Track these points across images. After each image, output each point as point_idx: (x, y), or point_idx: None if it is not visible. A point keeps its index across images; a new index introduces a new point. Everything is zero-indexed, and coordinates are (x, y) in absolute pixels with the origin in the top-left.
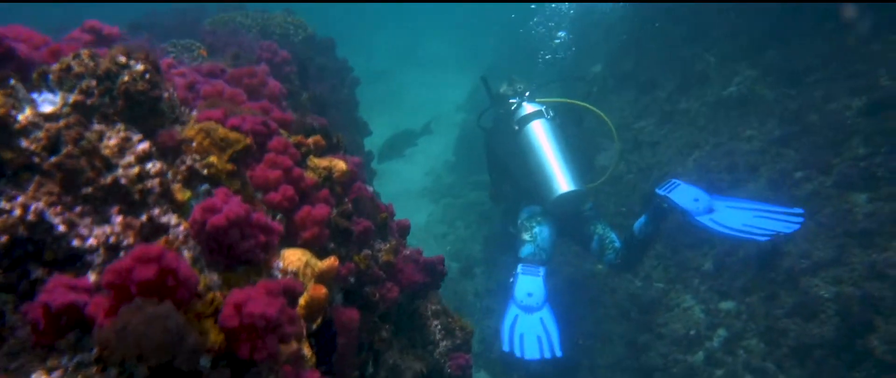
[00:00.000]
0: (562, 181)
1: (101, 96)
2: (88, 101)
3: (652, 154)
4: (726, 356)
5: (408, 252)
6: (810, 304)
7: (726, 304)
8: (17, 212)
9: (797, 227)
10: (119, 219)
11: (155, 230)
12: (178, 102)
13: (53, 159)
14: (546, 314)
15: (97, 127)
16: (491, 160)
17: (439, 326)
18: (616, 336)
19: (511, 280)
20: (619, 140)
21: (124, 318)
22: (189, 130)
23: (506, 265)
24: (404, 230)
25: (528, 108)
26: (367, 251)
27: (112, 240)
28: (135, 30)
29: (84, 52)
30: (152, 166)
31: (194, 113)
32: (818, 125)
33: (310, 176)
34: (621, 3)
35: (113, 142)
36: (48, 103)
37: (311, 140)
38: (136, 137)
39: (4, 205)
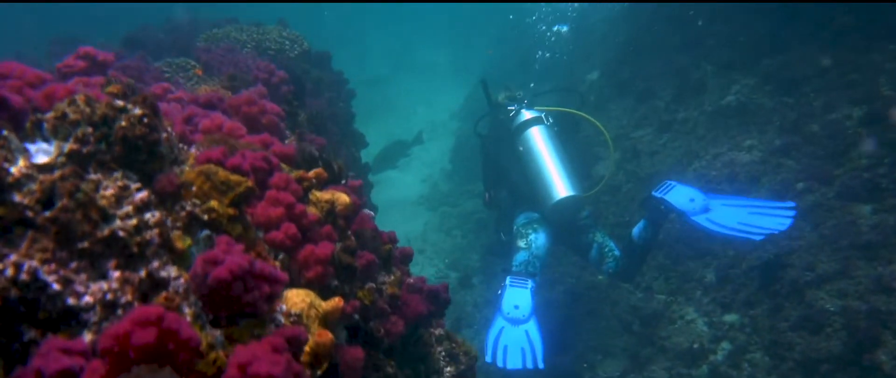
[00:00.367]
0: (561, 186)
1: (98, 142)
2: (84, 150)
3: (651, 164)
4: (731, 370)
5: (411, 281)
6: (816, 318)
7: (730, 317)
8: (10, 272)
9: (790, 221)
10: (116, 274)
11: (154, 285)
12: (176, 141)
13: (48, 214)
14: (532, 327)
15: (93, 176)
16: (487, 166)
17: (443, 352)
18: (618, 349)
19: (499, 292)
20: (616, 150)
21: None
22: (189, 174)
23: (500, 274)
24: (407, 258)
25: (527, 114)
26: (371, 285)
27: (109, 297)
28: (129, 45)
29: (79, 97)
30: (151, 216)
31: (193, 150)
32: (819, 135)
33: (312, 211)
34: (618, 5)
35: (110, 192)
36: (43, 153)
37: (313, 173)
38: (133, 185)
39: None
